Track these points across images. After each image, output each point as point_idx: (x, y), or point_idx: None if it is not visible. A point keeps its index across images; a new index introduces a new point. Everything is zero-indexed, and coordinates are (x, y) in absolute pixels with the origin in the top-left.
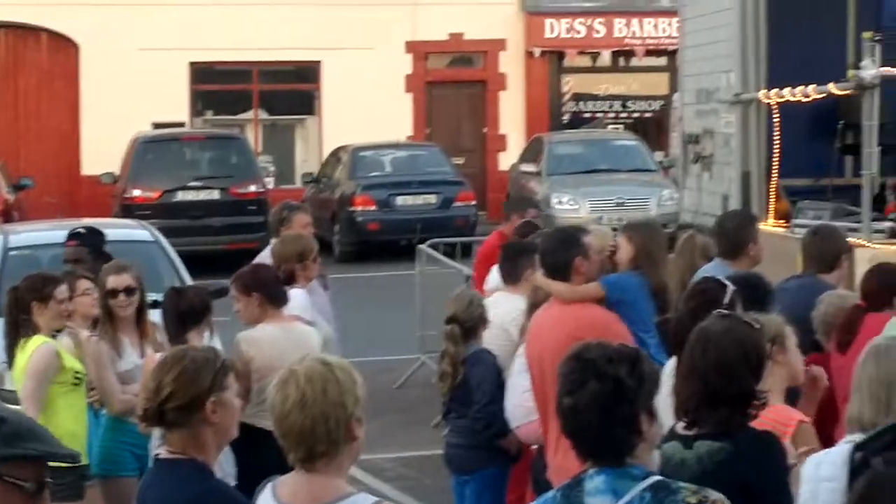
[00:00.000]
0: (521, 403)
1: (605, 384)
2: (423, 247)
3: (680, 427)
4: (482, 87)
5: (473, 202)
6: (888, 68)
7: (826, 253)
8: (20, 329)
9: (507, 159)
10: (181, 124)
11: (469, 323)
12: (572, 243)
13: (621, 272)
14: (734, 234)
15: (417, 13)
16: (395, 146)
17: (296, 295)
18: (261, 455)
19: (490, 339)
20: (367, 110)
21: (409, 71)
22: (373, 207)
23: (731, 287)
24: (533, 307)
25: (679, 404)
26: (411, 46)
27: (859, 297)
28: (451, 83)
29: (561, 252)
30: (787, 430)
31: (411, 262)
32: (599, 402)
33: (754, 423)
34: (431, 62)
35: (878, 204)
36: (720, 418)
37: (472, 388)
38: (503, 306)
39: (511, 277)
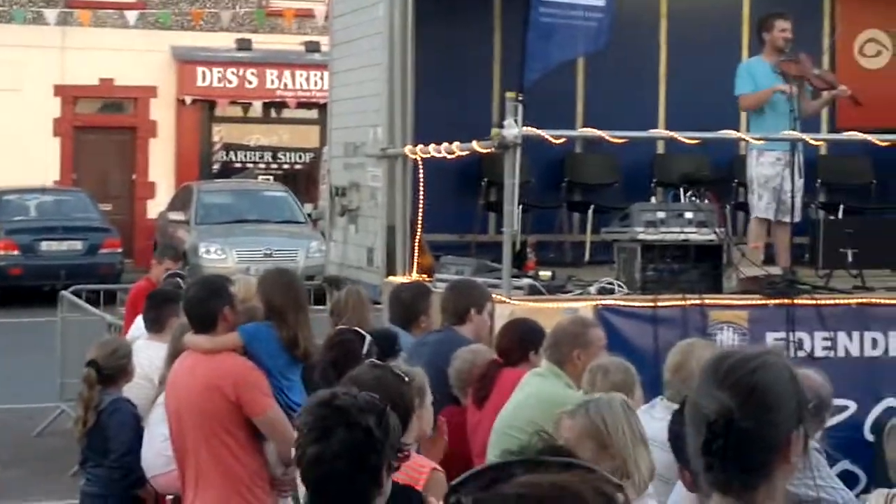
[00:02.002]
0: (160, 453)
1: (356, 433)
2: (65, 293)
3: None
4: (132, 134)
5: (120, 249)
6: (530, 128)
7: (459, 307)
8: None
9: (155, 207)
10: None
11: (109, 370)
12: (218, 293)
13: (258, 322)
14: (409, 304)
15: (67, 56)
16: (41, 191)
17: None
18: None
19: (131, 387)
20: (13, 153)
21: (57, 114)
22: (16, 252)
23: (368, 338)
24: (173, 356)
25: None
26: (60, 90)
27: (495, 352)
28: (101, 128)
29: (207, 302)
30: (421, 477)
31: (55, 308)
32: (349, 452)
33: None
34: (81, 107)
35: (519, 261)
36: None
37: (110, 438)
38: (146, 354)
39: (155, 325)
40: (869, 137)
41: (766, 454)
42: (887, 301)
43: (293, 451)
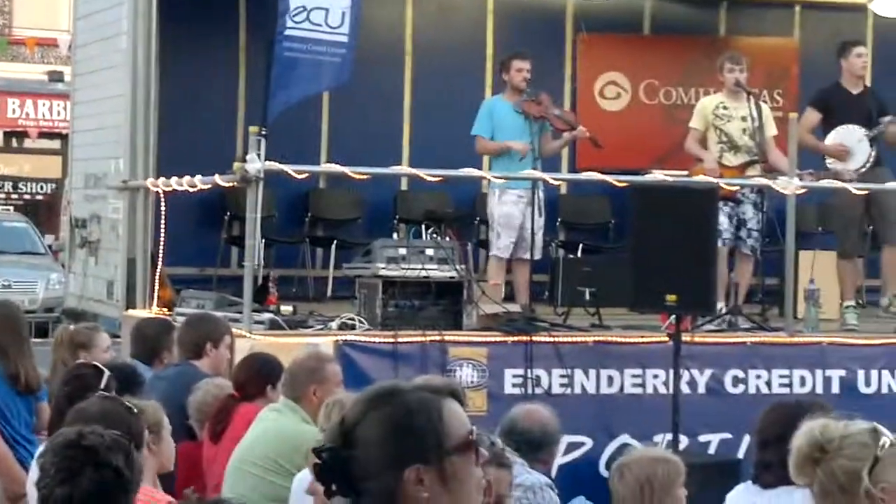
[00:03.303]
0: None
1: (105, 473)
2: None
3: None
4: None
5: None
6: (272, 162)
7: (195, 340)
8: None
9: None
10: None
11: None
12: None
13: None
14: (153, 340)
15: None
16: None
17: None
18: None
19: None
20: None
21: None
22: None
23: (107, 373)
24: None
25: None
26: None
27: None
28: None
29: None
30: None
31: None
32: (99, 492)
33: None
34: None
35: (261, 295)
36: None
37: None
38: None
39: None
40: (607, 178)
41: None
42: (623, 339)
43: (33, 490)
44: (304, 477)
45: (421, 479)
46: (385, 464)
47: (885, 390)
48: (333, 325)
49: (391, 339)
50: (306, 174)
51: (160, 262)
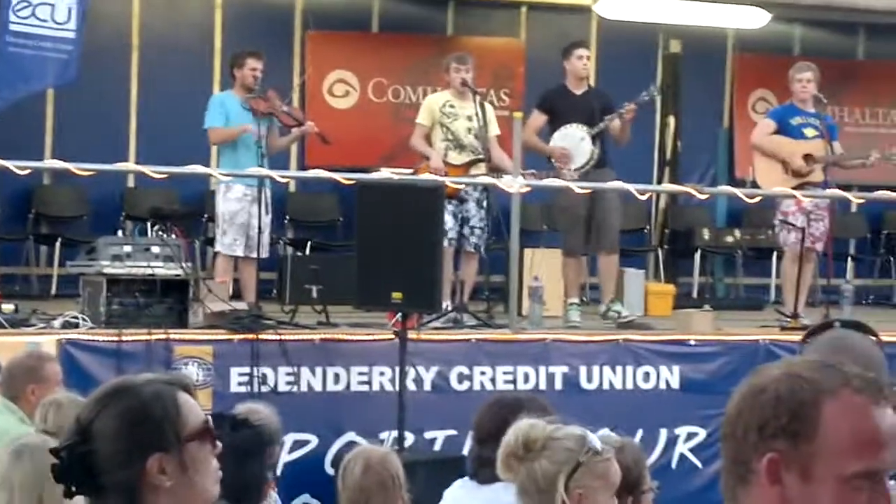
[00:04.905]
0: None
1: None
2: None
3: None
4: None
5: None
6: None
7: None
8: None
9: None
10: None
11: None
12: None
13: None
14: None
15: None
16: None
17: None
18: None
19: None
20: None
21: None
22: None
23: None
24: None
25: None
26: None
27: None
28: None
29: None
30: None
31: None
32: None
33: None
34: None
35: None
36: None
37: None
38: None
39: None
40: (333, 175)
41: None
42: (350, 337)
43: None
44: None
45: (163, 468)
46: (126, 455)
47: (605, 386)
48: (56, 323)
49: (116, 338)
50: (29, 170)
51: None
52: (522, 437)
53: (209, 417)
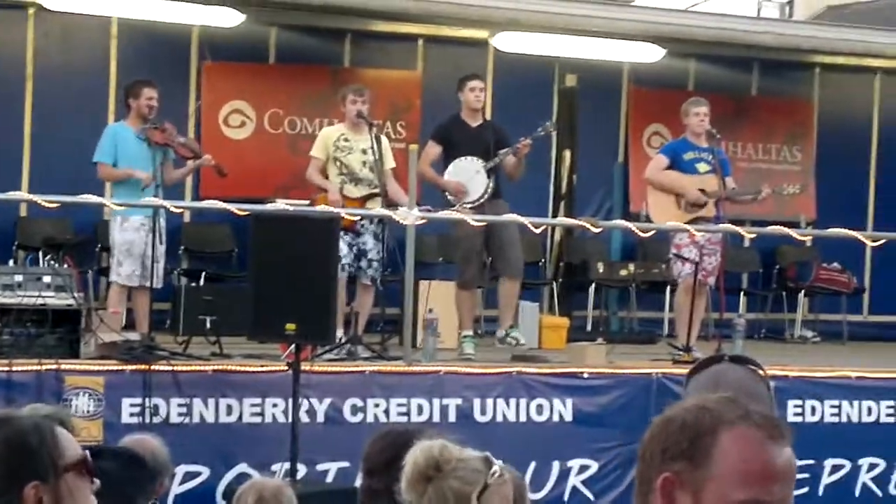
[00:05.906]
0: None
1: None
2: None
3: None
4: None
5: None
6: None
7: None
8: None
9: None
10: None
11: None
12: None
13: None
14: None
15: None
16: None
17: None
18: None
19: None
20: None
21: None
22: None
23: None
24: None
25: None
26: None
27: None
28: None
29: None
30: None
31: None
32: None
33: None
34: None
35: None
36: None
37: None
38: None
39: None
40: (228, 206)
41: None
42: (243, 368)
43: None
44: None
45: (40, 498)
46: (3, 483)
47: (499, 418)
48: None
49: (6, 368)
50: None
51: None
52: (434, 457)
53: (87, 453)
